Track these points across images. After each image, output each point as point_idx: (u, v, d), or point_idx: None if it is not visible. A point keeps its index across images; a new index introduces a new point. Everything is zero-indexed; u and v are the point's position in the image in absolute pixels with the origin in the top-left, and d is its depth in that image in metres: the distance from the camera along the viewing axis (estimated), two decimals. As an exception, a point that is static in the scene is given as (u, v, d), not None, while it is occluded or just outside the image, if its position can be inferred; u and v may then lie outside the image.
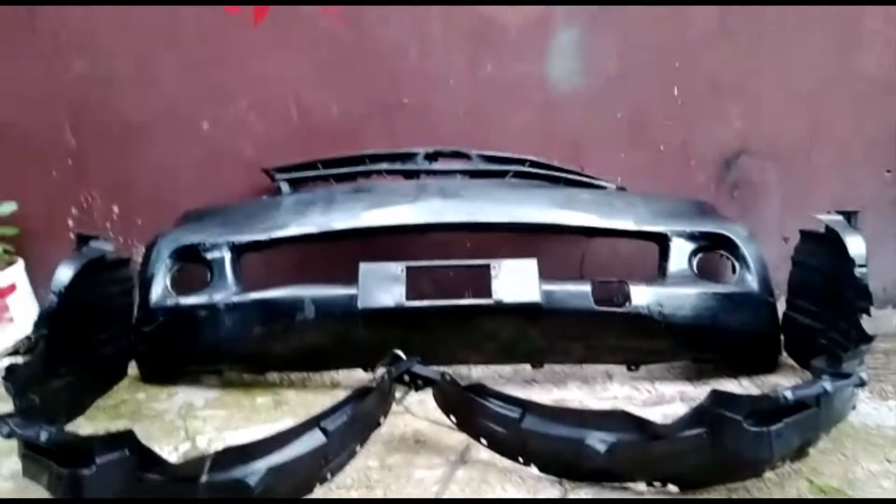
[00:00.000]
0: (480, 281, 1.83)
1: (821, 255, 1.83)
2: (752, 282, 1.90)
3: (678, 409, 1.67)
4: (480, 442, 1.51)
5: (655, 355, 1.93)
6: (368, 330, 1.82)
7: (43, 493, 1.17)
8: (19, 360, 1.51)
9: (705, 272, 1.98)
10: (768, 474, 1.38)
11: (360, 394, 1.44)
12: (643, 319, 1.81)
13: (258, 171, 2.32)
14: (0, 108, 2.30)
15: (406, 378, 1.52)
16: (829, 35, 2.31)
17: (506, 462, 1.48)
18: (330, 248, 2.09)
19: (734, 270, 1.94)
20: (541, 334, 1.86)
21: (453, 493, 1.40)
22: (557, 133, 2.41)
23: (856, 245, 1.65)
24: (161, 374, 1.99)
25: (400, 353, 1.53)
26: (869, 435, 1.58)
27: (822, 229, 1.79)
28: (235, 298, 1.86)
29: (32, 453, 1.23)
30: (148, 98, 2.32)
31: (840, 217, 1.75)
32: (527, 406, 1.44)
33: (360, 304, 1.79)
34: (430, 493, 1.39)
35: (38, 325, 1.59)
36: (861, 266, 1.63)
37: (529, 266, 1.84)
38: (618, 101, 2.38)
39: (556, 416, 1.42)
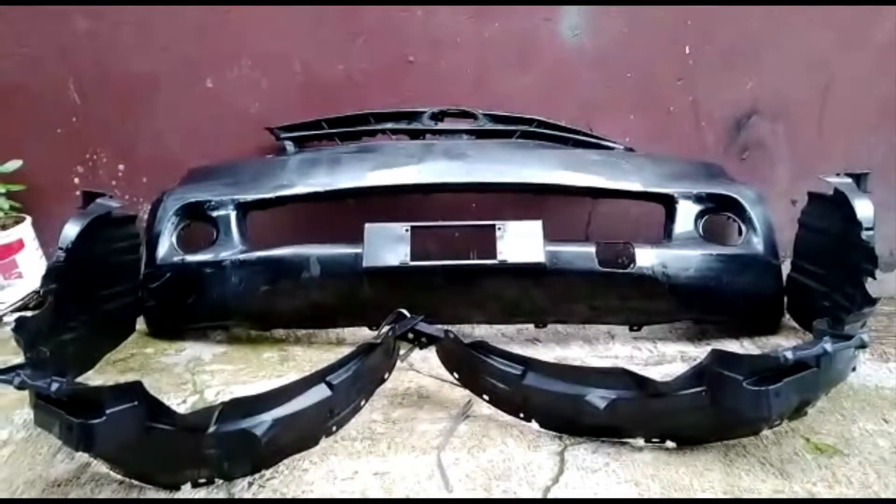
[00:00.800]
0: (485, 242, 1.84)
1: (828, 218, 1.82)
2: (757, 244, 1.89)
3: (679, 369, 1.68)
4: (482, 398, 1.53)
5: (658, 316, 1.94)
6: (373, 289, 1.83)
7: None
8: (29, 314, 1.53)
9: (714, 235, 1.97)
10: (765, 432, 1.41)
11: (365, 350, 1.46)
12: (646, 280, 1.82)
13: (262, 129, 2.30)
14: (5, 67, 2.28)
15: (410, 336, 1.54)
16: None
17: (507, 417, 1.51)
18: (335, 208, 2.10)
19: (740, 233, 1.94)
20: (544, 294, 1.87)
21: (455, 446, 1.43)
22: (566, 93, 2.38)
23: (864, 208, 1.64)
24: (169, 329, 2.02)
25: (404, 311, 1.55)
26: (868, 395, 1.59)
27: (830, 192, 1.78)
28: (241, 256, 1.87)
29: (44, 403, 1.26)
30: (152, 56, 2.30)
31: (849, 179, 1.73)
32: (528, 363, 1.46)
33: (364, 264, 1.81)
34: (433, 447, 1.42)
35: (46, 279, 1.61)
36: (868, 229, 1.62)
37: (534, 227, 1.84)
38: (627, 61, 2.34)
39: (556, 374, 1.44)
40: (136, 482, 1.31)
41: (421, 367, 1.76)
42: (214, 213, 1.95)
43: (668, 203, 1.97)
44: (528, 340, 1.98)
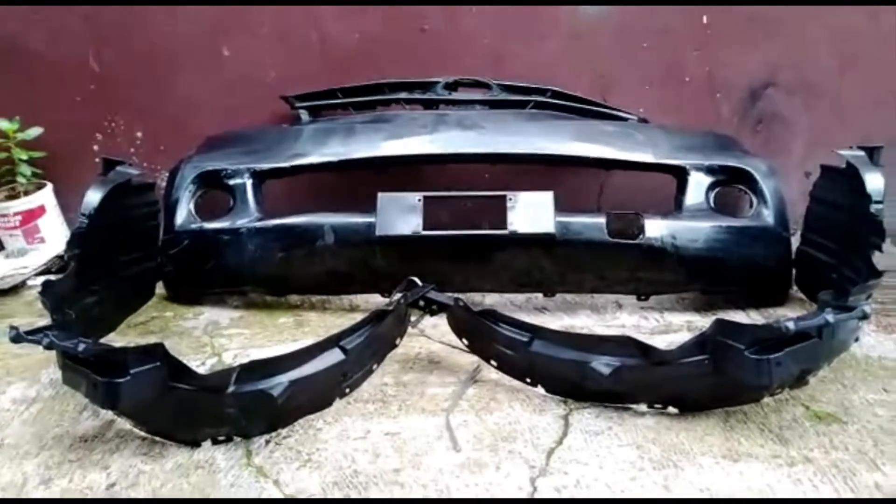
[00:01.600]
0: (497, 212, 1.86)
1: (839, 191, 1.81)
2: (767, 216, 1.90)
3: (684, 338, 1.70)
4: (490, 364, 1.58)
5: (666, 286, 1.96)
6: (386, 257, 1.87)
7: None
8: (53, 278, 1.59)
9: (727, 206, 1.98)
10: (766, 400, 1.44)
11: (378, 316, 1.50)
12: (655, 251, 1.83)
13: (278, 98, 2.32)
14: (26, 35, 2.32)
15: (421, 303, 1.58)
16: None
17: (514, 382, 1.55)
18: (349, 177, 2.12)
19: (751, 205, 1.94)
20: (554, 265, 1.90)
21: (463, 409, 1.47)
22: (581, 63, 2.37)
23: (874, 181, 1.64)
24: (187, 294, 2.08)
25: (416, 279, 1.59)
26: (870, 366, 1.62)
27: (843, 165, 1.77)
28: (257, 224, 1.91)
29: (71, 363, 1.31)
30: (170, 24, 2.32)
31: (862, 153, 1.73)
32: (535, 331, 1.49)
33: (377, 232, 1.84)
34: (442, 409, 1.47)
35: (70, 244, 1.67)
36: (878, 202, 1.62)
37: (545, 198, 1.85)
38: (645, 30, 2.32)
39: (562, 341, 1.48)
40: (157, 438, 1.38)
41: (431, 334, 1.80)
42: (231, 182, 1.98)
43: (680, 175, 1.98)
44: (537, 309, 2.02)
